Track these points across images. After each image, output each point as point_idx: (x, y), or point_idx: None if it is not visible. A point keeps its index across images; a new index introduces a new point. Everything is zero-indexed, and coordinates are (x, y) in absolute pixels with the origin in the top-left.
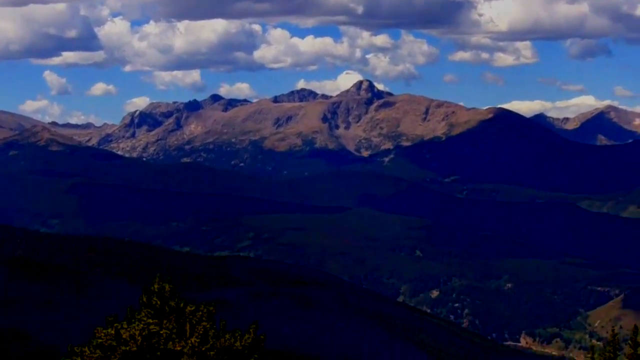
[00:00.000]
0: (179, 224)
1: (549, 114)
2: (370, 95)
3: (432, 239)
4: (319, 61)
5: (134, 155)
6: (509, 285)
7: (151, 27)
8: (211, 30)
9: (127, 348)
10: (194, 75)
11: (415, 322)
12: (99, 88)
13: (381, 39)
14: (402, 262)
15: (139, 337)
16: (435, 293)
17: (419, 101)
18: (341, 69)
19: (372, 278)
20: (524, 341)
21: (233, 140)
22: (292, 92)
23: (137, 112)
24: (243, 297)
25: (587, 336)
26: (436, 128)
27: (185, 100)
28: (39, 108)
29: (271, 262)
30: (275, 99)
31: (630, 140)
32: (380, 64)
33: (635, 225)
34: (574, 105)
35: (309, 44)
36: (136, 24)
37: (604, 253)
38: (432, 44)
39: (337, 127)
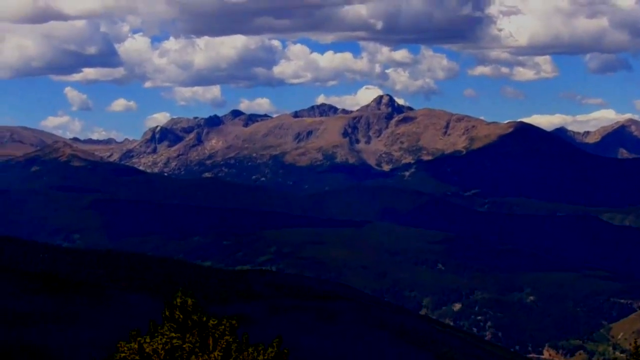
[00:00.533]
0: (200, 239)
1: (570, 128)
2: (390, 110)
3: (453, 252)
4: (338, 76)
5: (156, 170)
6: (532, 298)
7: (171, 44)
8: (231, 46)
9: None
10: (214, 91)
11: (438, 335)
12: (119, 104)
13: (401, 54)
14: (424, 276)
15: (162, 351)
16: (457, 306)
17: (439, 115)
18: (361, 84)
19: (394, 291)
20: (547, 353)
21: (254, 155)
22: (313, 107)
23: (158, 128)
24: (264, 311)
25: (610, 348)
26: (457, 142)
27: (206, 115)
28: (60, 124)
29: (292, 276)
30: (296, 114)
31: None
32: (400, 78)
33: None
34: (594, 119)
35: (329, 60)
36: (156, 40)
37: (626, 265)
38: (452, 59)
39: (357, 141)
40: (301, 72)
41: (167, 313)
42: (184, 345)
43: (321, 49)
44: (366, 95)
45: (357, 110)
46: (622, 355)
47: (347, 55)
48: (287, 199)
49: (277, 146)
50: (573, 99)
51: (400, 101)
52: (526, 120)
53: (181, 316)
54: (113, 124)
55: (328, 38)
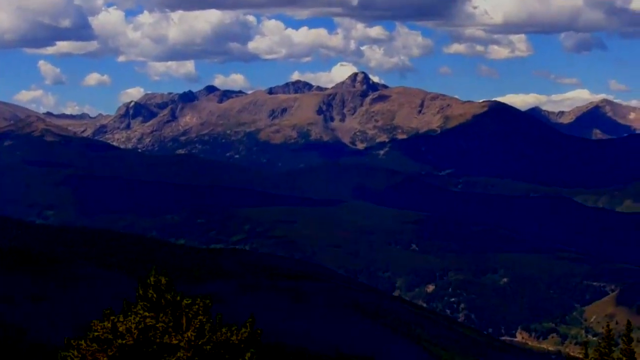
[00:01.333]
0: (173, 217)
1: (544, 108)
2: (365, 88)
3: (427, 232)
4: (313, 52)
5: (129, 146)
6: (505, 279)
7: (145, 17)
8: (205, 20)
9: (124, 341)
10: (188, 66)
11: (411, 316)
12: (93, 78)
13: (376, 31)
14: (398, 256)
15: (135, 331)
16: (431, 287)
17: (414, 94)
18: (335, 60)
19: (367, 272)
20: (520, 336)
21: (228, 131)
22: (287, 84)
23: (132, 103)
24: (236, 290)
25: (583, 331)
26: (431, 121)
27: (180, 91)
28: (34, 98)
29: (265, 255)
30: (270, 91)
31: (625, 135)
32: (374, 55)
33: (630, 219)
34: (569, 98)
35: (304, 35)
36: (130, 14)
37: (599, 248)
38: (427, 36)
39: (332, 119)
40: (276, 47)
41: (140, 292)
42: (158, 325)
43: (296, 24)
44: (341, 72)
45: (332, 88)
46: (594, 338)
47: (322, 32)
48: (261, 177)
49: (251, 123)
50: (547, 78)
51: (375, 79)
52: (500, 99)
53: (155, 295)
54: (86, 98)
55: (303, 14)
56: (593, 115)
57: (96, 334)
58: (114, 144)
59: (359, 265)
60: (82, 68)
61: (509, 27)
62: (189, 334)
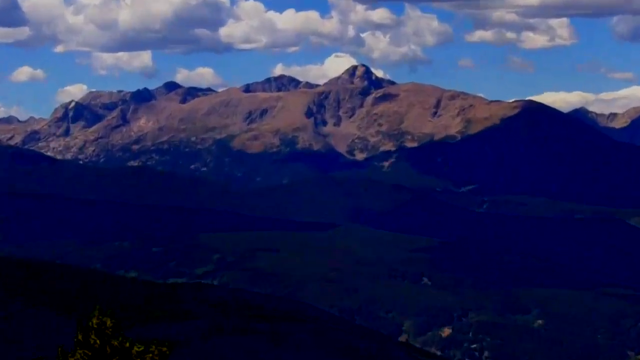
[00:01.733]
0: (122, 243)
1: (591, 109)
2: (366, 84)
3: (443, 263)
4: (301, 41)
5: (68, 156)
6: (540, 321)
7: None
8: (165, 1)
9: None
10: (144, 58)
11: None
12: (23, 73)
13: (380, 14)
14: (406, 292)
15: None
16: (447, 331)
17: (428, 92)
18: (329, 50)
19: (367, 312)
20: None
21: (193, 139)
22: (268, 80)
23: (72, 104)
24: (201, 334)
25: None
26: (449, 125)
27: (133, 89)
28: None
29: (238, 292)
30: (247, 88)
31: None
32: (378, 45)
33: None
34: (622, 97)
35: (289, 20)
36: None
37: None
38: (444, 21)
39: (324, 123)
40: (254, 35)
41: (80, 337)
42: None
43: (280, 6)
44: (336, 65)
45: (325, 84)
46: None
47: (313, 15)
48: (235, 195)
49: (222, 128)
50: (595, 72)
51: (378, 73)
52: (536, 98)
53: (98, 341)
54: (14, 97)
55: None
56: None
57: None
58: (49, 154)
59: (357, 303)
60: (9, 60)
61: (547, 10)
62: None
